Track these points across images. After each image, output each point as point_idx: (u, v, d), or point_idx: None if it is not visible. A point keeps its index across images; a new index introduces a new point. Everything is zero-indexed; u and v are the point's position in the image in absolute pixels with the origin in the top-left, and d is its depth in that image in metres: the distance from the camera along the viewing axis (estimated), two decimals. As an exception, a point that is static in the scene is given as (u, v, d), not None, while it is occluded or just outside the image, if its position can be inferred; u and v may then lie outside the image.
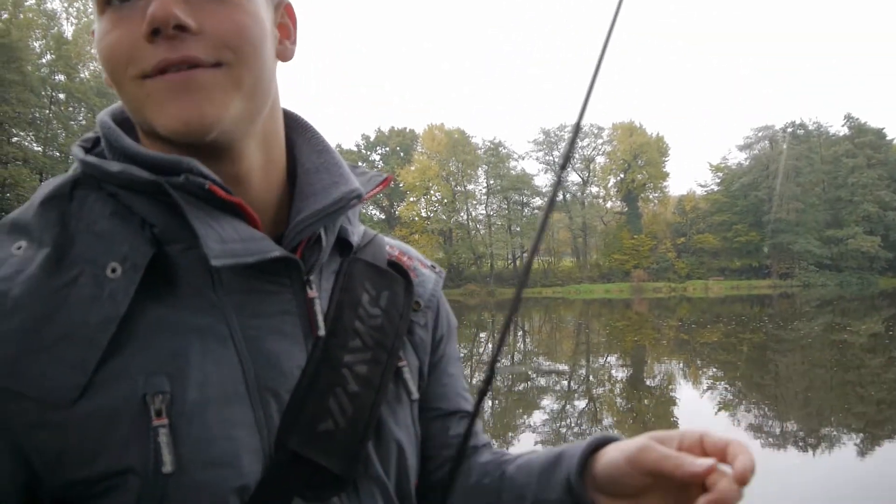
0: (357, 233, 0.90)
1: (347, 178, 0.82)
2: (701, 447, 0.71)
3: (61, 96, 45.96)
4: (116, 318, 0.65)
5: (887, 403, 10.20)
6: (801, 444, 8.02)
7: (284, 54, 0.81)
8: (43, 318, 0.63)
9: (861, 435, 8.23)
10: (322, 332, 0.77)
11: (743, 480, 0.66)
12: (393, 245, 0.97)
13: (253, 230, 0.72)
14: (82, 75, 46.99)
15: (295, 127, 0.87)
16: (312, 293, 0.78)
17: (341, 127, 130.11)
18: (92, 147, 0.77)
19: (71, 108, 47.26)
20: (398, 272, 0.90)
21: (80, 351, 0.63)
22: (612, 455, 0.76)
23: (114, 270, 0.66)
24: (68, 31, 46.77)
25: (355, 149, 62.84)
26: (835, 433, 8.47)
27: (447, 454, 0.94)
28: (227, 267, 0.68)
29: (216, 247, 0.67)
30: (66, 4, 46.99)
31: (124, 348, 0.65)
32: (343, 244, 0.87)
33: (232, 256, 0.68)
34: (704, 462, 0.67)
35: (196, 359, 0.67)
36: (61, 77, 45.46)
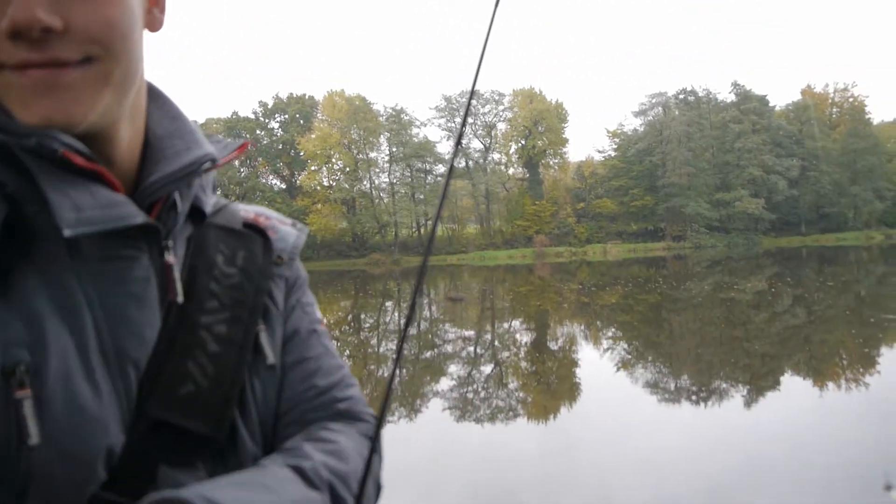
0: (210, 203, 0.88)
1: (201, 144, 0.80)
2: None
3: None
4: None
5: (770, 356, 10.87)
6: (693, 398, 8.43)
7: (153, 24, 0.77)
8: None
9: (748, 386, 8.74)
10: (180, 298, 0.76)
11: None
12: (249, 210, 0.95)
13: (114, 194, 0.70)
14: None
15: (148, 94, 0.83)
16: (170, 259, 0.77)
17: (237, 95, 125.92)
18: None
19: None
20: (255, 232, 0.89)
21: None
22: None
23: None
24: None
25: (252, 116, 61.01)
26: (724, 386, 8.96)
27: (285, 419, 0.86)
28: (78, 236, 0.66)
29: (69, 216, 0.65)
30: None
31: None
32: (196, 213, 0.85)
33: (88, 224, 0.66)
34: None
35: (54, 328, 0.65)
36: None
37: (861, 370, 9.28)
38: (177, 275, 0.77)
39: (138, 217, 0.70)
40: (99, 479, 0.65)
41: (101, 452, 0.65)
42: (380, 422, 0.76)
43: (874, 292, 19.02)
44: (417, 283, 0.79)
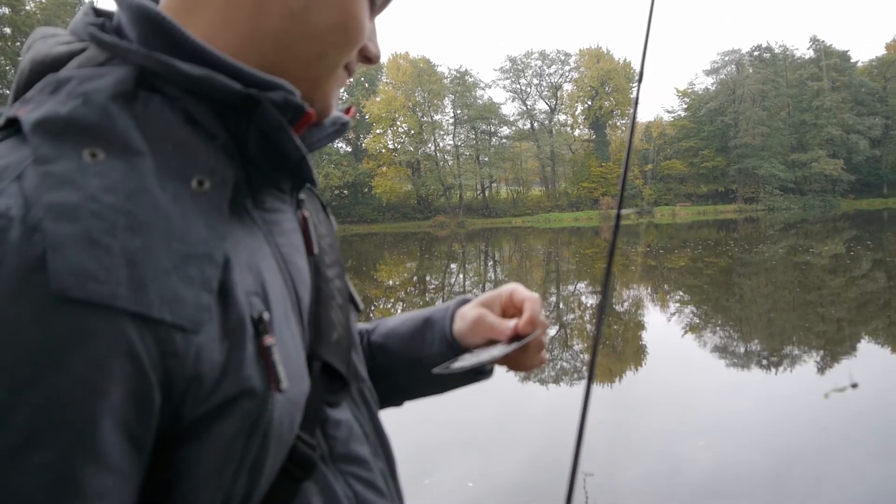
0: None
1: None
2: (511, 301, 0.98)
3: (7, 30, 44.11)
4: (222, 235, 0.61)
5: (847, 322, 10.53)
6: (764, 363, 8.27)
7: None
8: (165, 236, 0.57)
9: (821, 352, 8.51)
10: (317, 249, 0.82)
11: (528, 327, 0.93)
12: None
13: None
14: (28, 7, 45.06)
15: None
16: (306, 212, 0.82)
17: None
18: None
19: (18, 43, 45.41)
20: (317, 198, 0.95)
21: (203, 269, 0.58)
22: (460, 325, 0.99)
23: (200, 183, 0.61)
24: (11, -40, 44.57)
25: (319, 80, 61.47)
26: (796, 352, 8.75)
27: None
28: (302, 188, 0.79)
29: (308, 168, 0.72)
30: (6, -69, 44.60)
31: (229, 269, 0.62)
32: None
33: (312, 179, 0.75)
34: (509, 325, 0.94)
35: (268, 276, 0.67)
36: (5, 10, 43.52)
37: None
38: (311, 227, 0.82)
39: (311, 173, 0.74)
40: (300, 419, 0.70)
41: (305, 394, 0.69)
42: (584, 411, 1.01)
43: (961, 257, 18.13)
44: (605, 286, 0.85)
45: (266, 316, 0.63)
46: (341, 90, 0.79)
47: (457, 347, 0.99)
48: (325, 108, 0.76)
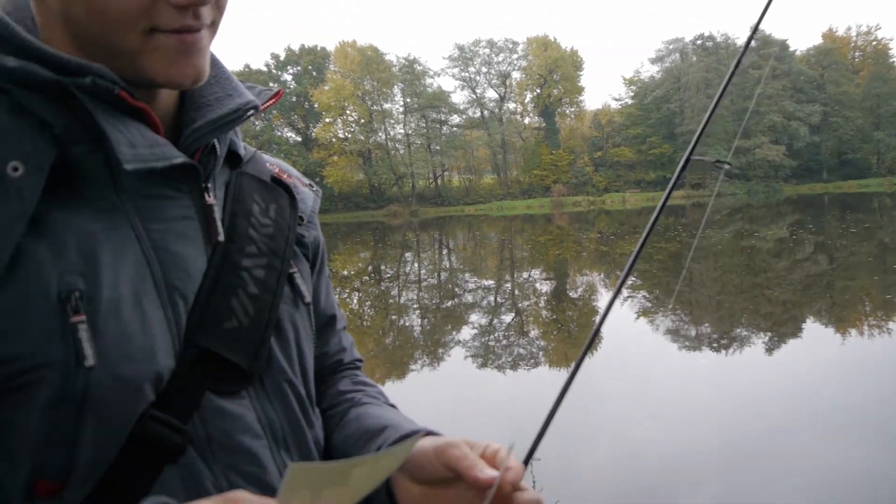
0: (241, 148, 0.93)
1: (241, 91, 0.84)
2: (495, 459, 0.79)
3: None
4: (25, 216, 0.64)
5: (791, 303, 10.86)
6: (714, 345, 8.47)
7: None
8: None
9: (769, 334, 8.76)
10: (221, 237, 0.80)
11: (508, 488, 0.75)
12: (273, 162, 1.00)
13: (157, 136, 0.74)
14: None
15: None
16: (211, 200, 0.81)
17: (248, 48, 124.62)
18: None
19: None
20: (281, 187, 0.93)
21: None
22: (425, 443, 0.82)
23: (15, 169, 0.64)
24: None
25: (265, 69, 60.47)
26: (745, 333, 8.98)
27: (322, 362, 1.03)
28: (136, 171, 0.70)
29: (127, 151, 0.69)
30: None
31: (34, 248, 0.65)
32: (231, 156, 0.90)
33: (142, 161, 0.70)
34: (490, 473, 0.75)
35: (106, 259, 0.68)
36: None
37: (884, 317, 9.26)
38: (217, 215, 0.81)
39: (179, 157, 0.74)
40: (147, 399, 0.69)
41: (150, 376, 0.69)
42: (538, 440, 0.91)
43: (897, 239, 18.83)
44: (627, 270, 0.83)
45: (77, 294, 0.65)
46: (203, 50, 0.73)
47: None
48: (168, 81, 0.72)
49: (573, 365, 1.00)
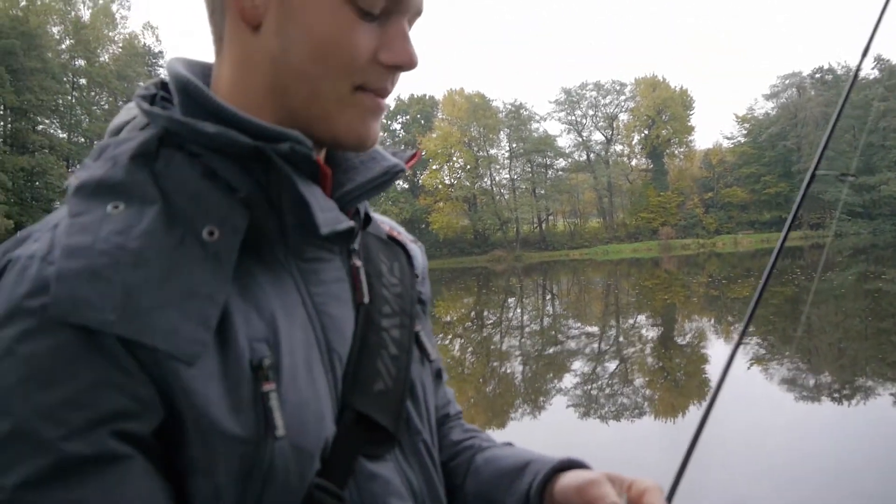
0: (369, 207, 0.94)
1: (384, 154, 0.85)
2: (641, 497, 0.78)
3: (82, 81, 46.29)
4: (227, 279, 0.65)
5: (924, 351, 10.07)
6: (835, 395, 7.96)
7: None
8: (168, 273, 0.62)
9: (896, 384, 8.14)
10: (367, 299, 0.81)
11: None
12: (383, 220, 1.01)
13: (329, 199, 0.75)
14: (102, 59, 47.21)
15: None
16: (358, 262, 0.83)
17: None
18: (151, 102, 0.75)
19: (93, 94, 47.61)
20: (398, 245, 0.95)
21: (204, 308, 0.63)
22: (568, 480, 0.83)
23: (211, 233, 0.65)
24: (85, 14, 46.99)
25: (376, 119, 62.55)
26: (870, 383, 8.39)
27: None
28: (328, 235, 0.71)
29: (321, 215, 0.70)
30: (81, -11, 47.04)
31: (229, 313, 0.65)
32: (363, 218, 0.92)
33: (330, 225, 0.71)
34: None
35: (284, 324, 0.69)
36: (81, 62, 45.74)
37: None
38: (362, 276, 0.82)
39: (348, 222, 0.74)
40: (316, 468, 0.70)
41: (321, 443, 0.70)
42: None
43: None
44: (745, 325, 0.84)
45: (267, 362, 0.65)
46: (383, 117, 0.76)
47: None
48: (356, 141, 0.74)
49: (700, 416, 0.97)
